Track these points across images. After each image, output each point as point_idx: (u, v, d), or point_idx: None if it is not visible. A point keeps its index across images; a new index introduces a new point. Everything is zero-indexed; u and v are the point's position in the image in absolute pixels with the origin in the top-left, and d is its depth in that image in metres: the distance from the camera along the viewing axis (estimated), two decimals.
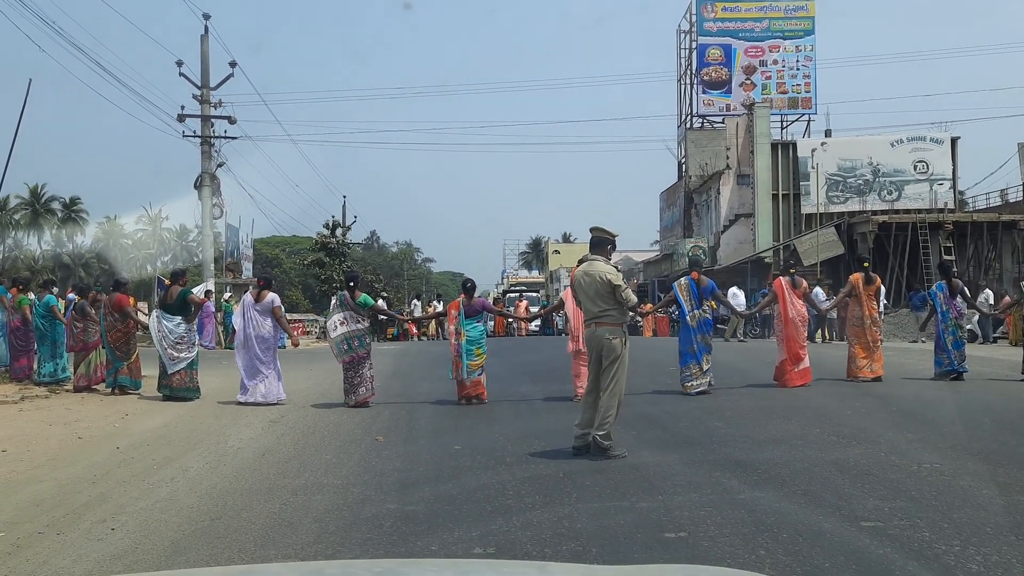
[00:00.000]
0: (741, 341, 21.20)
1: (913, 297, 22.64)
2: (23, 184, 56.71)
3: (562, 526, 4.45)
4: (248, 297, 10.47)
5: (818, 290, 20.47)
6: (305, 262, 40.43)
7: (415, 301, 34.90)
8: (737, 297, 21.97)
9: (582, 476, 5.64)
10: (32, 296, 13.10)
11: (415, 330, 28.58)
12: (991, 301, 19.89)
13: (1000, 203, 32.98)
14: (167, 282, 10.74)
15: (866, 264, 12.08)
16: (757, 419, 8.10)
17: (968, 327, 19.49)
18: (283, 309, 10.92)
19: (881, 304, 12.38)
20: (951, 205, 32.58)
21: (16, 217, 57.42)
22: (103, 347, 11.27)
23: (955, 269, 19.21)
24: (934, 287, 11.89)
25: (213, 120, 25.50)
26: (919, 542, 4.07)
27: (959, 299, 11.69)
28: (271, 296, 10.32)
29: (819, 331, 21.64)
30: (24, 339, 12.50)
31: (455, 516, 4.71)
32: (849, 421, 7.91)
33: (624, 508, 4.80)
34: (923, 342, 19.98)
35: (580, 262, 6.88)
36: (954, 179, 33.54)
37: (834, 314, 20.77)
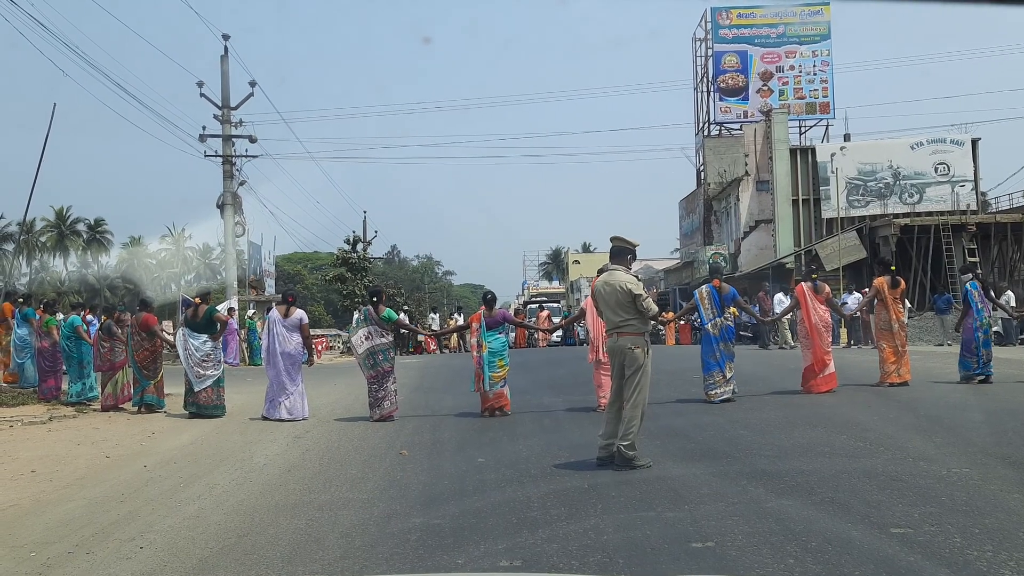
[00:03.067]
0: (782, 348, 20.95)
1: (938, 300, 22.39)
2: (48, 207, 57.79)
3: (588, 538, 4.44)
4: (275, 313, 10.48)
5: (856, 296, 20.23)
6: (327, 278, 40.68)
7: (432, 315, 34.98)
8: (784, 304, 21.13)
9: (607, 487, 5.62)
10: (60, 316, 13.30)
11: (431, 346, 28.64)
12: (1013, 303, 19.65)
13: None
14: (197, 301, 10.83)
15: (893, 267, 11.97)
16: (782, 427, 8.04)
17: (995, 329, 19.26)
18: (309, 327, 10.96)
19: (906, 311, 12.18)
20: (973, 206, 32.20)
21: (42, 239, 58.32)
22: (130, 366, 11.40)
23: (979, 271, 19.01)
24: (967, 285, 11.72)
25: (234, 139, 25.80)
26: (950, 548, 4.02)
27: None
28: (299, 313, 10.34)
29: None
30: (52, 360, 12.68)
31: (481, 530, 4.71)
32: (876, 427, 7.83)
33: (650, 519, 4.77)
34: (949, 345, 19.74)
35: (600, 272, 6.87)
36: (976, 180, 33.16)
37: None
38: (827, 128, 38.65)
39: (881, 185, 32.96)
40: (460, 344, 28.21)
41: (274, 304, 12.49)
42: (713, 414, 9.08)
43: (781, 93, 38.21)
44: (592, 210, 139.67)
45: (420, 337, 26.85)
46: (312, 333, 11.92)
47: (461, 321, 27.06)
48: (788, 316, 16.26)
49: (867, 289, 14.85)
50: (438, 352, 28.89)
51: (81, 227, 60.28)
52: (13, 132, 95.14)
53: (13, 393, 12.80)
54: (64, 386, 12.62)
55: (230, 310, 21.50)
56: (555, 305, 41.84)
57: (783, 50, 38.35)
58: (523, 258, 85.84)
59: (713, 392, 9.99)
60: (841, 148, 33.85)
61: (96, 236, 60.75)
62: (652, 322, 6.76)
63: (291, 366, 10.09)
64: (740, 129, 38.31)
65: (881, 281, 11.49)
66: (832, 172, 32.16)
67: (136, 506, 5.78)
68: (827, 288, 11.30)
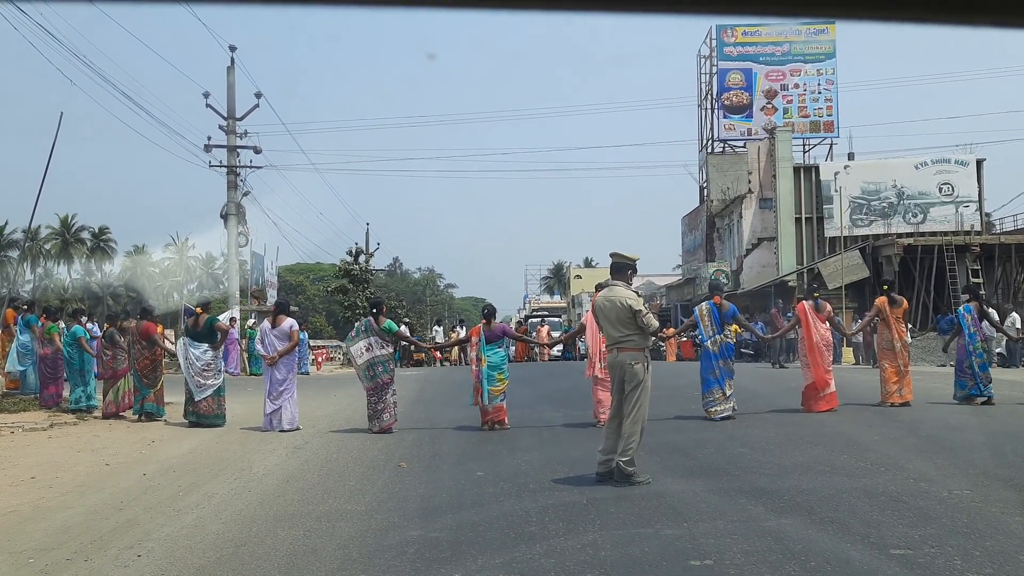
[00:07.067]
0: (782, 367, 20.84)
1: (941, 320, 22.35)
2: (54, 214, 58.02)
3: (586, 554, 4.43)
4: (266, 323, 10.59)
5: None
6: (329, 289, 40.75)
7: (436, 327, 35.01)
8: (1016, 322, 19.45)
9: (605, 503, 5.60)
10: (62, 324, 13.30)
11: (439, 355, 28.65)
12: (1018, 325, 19.57)
13: None
14: (198, 310, 10.86)
15: (886, 287, 11.95)
16: (782, 445, 8.02)
17: (998, 351, 19.18)
18: (299, 335, 11.01)
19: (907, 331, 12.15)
20: (978, 227, 32.20)
21: (47, 247, 58.51)
22: (131, 374, 11.41)
23: (983, 292, 18.91)
24: (961, 308, 11.73)
25: (239, 150, 25.88)
26: (950, 570, 4.00)
27: (985, 323, 11.56)
28: (288, 321, 10.39)
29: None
30: (53, 367, 12.67)
31: (478, 543, 4.70)
32: (876, 447, 7.81)
33: (648, 535, 4.76)
34: (951, 365, 19.67)
35: (600, 287, 6.88)
36: (980, 201, 33.14)
37: (859, 338, 20.53)
38: (831, 147, 38.75)
39: (885, 204, 32.97)
40: (461, 357, 28.21)
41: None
42: (713, 431, 9.06)
43: (785, 111, 38.31)
44: (595, 225, 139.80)
45: (413, 349, 26.87)
46: (312, 344, 11.99)
47: (463, 334, 27.05)
48: (790, 334, 16.23)
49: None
50: (439, 364, 28.89)
51: (85, 235, 60.50)
52: (21, 140, 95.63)
53: (14, 399, 12.80)
54: (66, 393, 12.62)
55: (231, 320, 21.52)
56: (556, 320, 41.78)
57: (788, 68, 38.48)
58: (525, 272, 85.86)
59: (713, 409, 9.97)
60: (845, 167, 33.88)
61: (100, 244, 60.95)
62: (652, 338, 6.76)
63: (285, 374, 10.10)
64: (744, 147, 38.41)
65: (882, 301, 11.48)
66: (836, 191, 32.19)
67: (135, 514, 5.77)
68: (828, 307, 11.29)
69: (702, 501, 5.59)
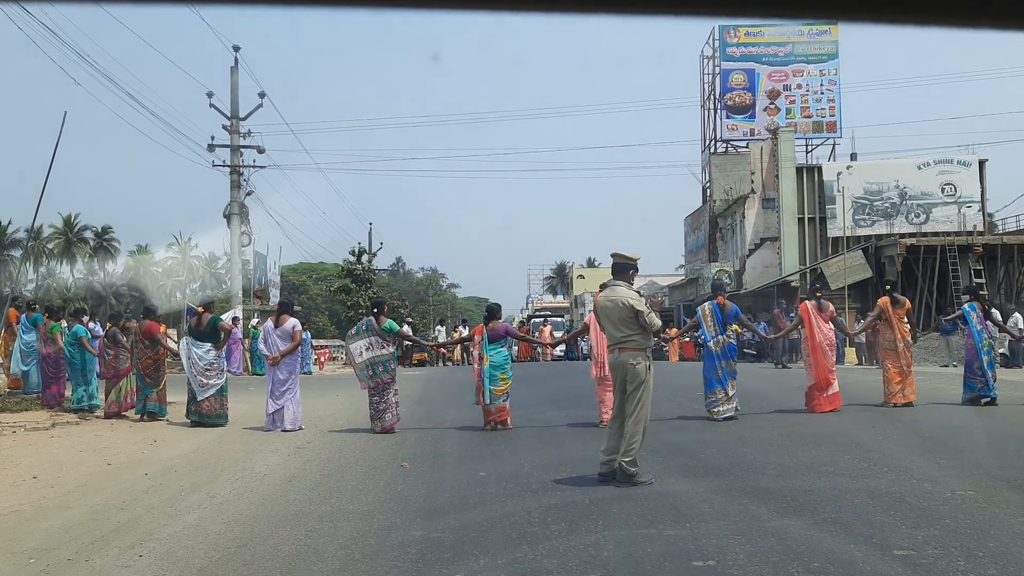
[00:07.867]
0: (785, 367, 20.77)
1: (944, 321, 22.29)
2: (56, 214, 58.09)
3: (588, 554, 4.42)
4: (269, 323, 10.59)
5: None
6: (331, 288, 40.81)
7: (439, 327, 35.07)
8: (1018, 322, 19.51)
9: (608, 503, 5.60)
10: (64, 324, 13.30)
11: (445, 351, 28.71)
12: (1020, 325, 19.54)
13: None
14: (201, 310, 10.86)
15: (888, 287, 11.93)
16: (785, 446, 8.00)
17: (1001, 351, 19.13)
18: (302, 334, 11.01)
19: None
20: (980, 228, 32.14)
21: (50, 246, 58.60)
22: (133, 374, 11.42)
23: (985, 292, 18.87)
24: (966, 306, 11.68)
25: (242, 150, 25.88)
26: (954, 571, 3.99)
27: (988, 323, 11.53)
28: (292, 321, 10.39)
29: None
30: (55, 366, 12.67)
31: (481, 544, 4.70)
32: (879, 448, 7.79)
33: (651, 536, 4.75)
34: (955, 366, 19.66)
35: (602, 287, 6.87)
36: (983, 201, 33.08)
37: (862, 338, 20.52)
38: (834, 147, 38.70)
39: (887, 205, 32.91)
40: (464, 357, 28.23)
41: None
42: (715, 431, 9.05)
43: (788, 111, 38.26)
44: (598, 225, 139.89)
45: (414, 348, 26.90)
46: (315, 344, 11.97)
47: (465, 334, 27.07)
48: (793, 334, 16.19)
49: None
50: (442, 364, 28.90)
51: (88, 234, 60.59)
52: (24, 140, 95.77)
53: (16, 399, 12.81)
54: (68, 392, 12.62)
55: (234, 319, 21.52)
56: (559, 320, 41.76)
57: (790, 69, 38.44)
58: (528, 272, 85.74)
59: (715, 410, 9.96)
60: (847, 167, 33.82)
61: (103, 244, 61.04)
62: (655, 338, 6.75)
63: (288, 374, 10.11)
64: (746, 147, 38.38)
65: (885, 301, 11.46)
66: (838, 191, 32.15)
67: (136, 514, 5.77)
68: (831, 307, 11.27)
69: (705, 501, 5.58)
